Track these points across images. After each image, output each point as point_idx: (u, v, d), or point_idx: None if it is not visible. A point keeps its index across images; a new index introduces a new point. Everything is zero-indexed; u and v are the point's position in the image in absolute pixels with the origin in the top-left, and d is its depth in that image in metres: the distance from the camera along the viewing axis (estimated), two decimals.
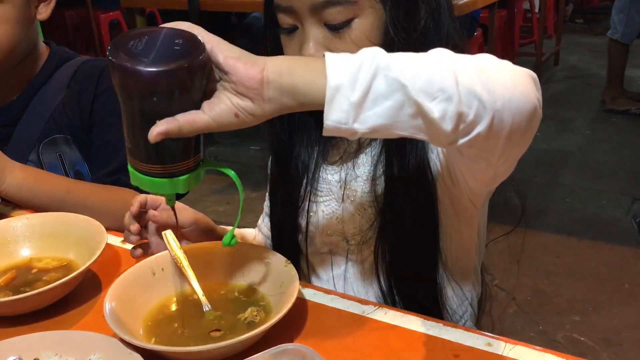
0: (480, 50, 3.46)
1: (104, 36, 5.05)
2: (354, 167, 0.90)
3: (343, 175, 0.90)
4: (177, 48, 0.58)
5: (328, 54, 0.59)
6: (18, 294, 0.78)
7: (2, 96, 1.18)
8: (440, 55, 0.60)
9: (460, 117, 0.58)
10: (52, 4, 1.15)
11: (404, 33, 0.78)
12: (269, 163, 0.99)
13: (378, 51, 0.59)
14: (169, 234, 0.85)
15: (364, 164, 0.89)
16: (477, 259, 0.96)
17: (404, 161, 0.83)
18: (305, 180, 0.92)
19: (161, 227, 0.87)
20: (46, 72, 1.19)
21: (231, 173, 0.67)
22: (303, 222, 0.94)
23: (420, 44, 0.78)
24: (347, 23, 0.76)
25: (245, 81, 0.58)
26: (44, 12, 1.15)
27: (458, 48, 0.81)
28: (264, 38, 0.87)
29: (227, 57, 0.59)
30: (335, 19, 0.76)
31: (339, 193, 0.91)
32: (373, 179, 0.87)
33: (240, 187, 0.68)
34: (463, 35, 0.85)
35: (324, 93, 0.57)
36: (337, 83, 0.57)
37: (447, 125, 0.58)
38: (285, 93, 0.59)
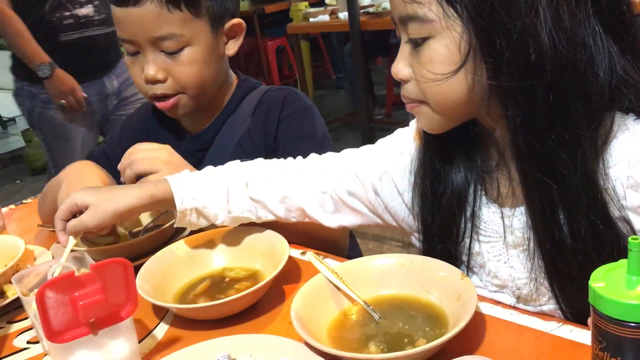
0: None
1: (271, 61, 5.40)
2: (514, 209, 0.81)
3: (504, 217, 0.82)
4: None
5: None
6: (214, 300, 0.87)
7: (196, 124, 1.29)
8: None
9: None
10: (241, 40, 1.22)
11: (496, 57, 0.68)
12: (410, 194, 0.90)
13: None
14: (312, 257, 0.90)
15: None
16: None
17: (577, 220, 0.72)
18: (464, 215, 0.85)
19: None
20: (234, 101, 1.27)
21: None
22: (465, 258, 0.87)
23: (531, 75, 0.67)
24: (424, 41, 0.73)
25: None
26: (232, 48, 1.21)
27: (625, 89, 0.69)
28: None
29: None
30: (414, 35, 0.74)
31: (503, 234, 0.83)
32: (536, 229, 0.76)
33: None
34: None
35: None
36: None
37: None
38: None
